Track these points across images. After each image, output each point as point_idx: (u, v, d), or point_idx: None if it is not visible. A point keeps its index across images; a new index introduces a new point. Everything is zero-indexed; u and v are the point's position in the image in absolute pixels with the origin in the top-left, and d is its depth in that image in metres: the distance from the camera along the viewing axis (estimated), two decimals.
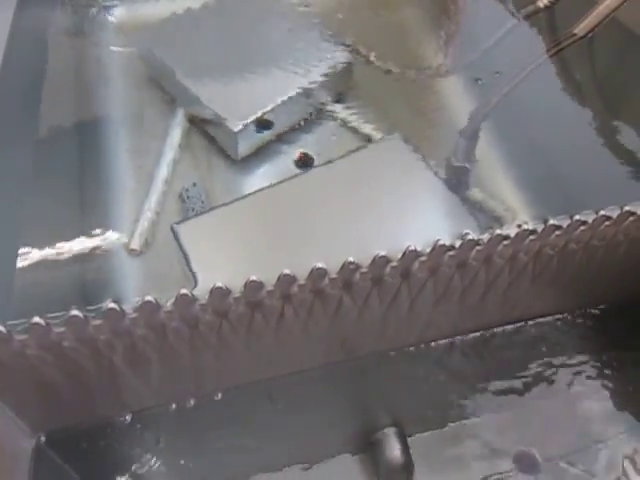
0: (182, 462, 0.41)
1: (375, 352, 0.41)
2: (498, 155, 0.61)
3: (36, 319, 0.26)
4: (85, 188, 0.61)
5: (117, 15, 0.70)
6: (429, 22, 0.72)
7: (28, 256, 0.52)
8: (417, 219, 0.52)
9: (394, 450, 0.49)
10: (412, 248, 0.30)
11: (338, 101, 0.67)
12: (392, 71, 0.65)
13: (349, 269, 0.30)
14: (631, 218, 0.34)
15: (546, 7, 0.54)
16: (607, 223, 0.34)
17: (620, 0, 0.47)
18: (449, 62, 0.65)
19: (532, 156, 0.59)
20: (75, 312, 0.26)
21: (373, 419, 0.49)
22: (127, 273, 0.58)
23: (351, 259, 0.30)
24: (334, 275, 0.30)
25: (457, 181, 0.55)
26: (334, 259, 0.48)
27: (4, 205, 0.52)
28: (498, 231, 0.32)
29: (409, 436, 0.50)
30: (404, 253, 0.30)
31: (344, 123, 0.66)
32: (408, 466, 0.49)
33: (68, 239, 0.58)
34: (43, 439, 0.35)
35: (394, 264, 0.31)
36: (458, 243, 0.31)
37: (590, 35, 0.49)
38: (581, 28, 0.49)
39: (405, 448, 0.49)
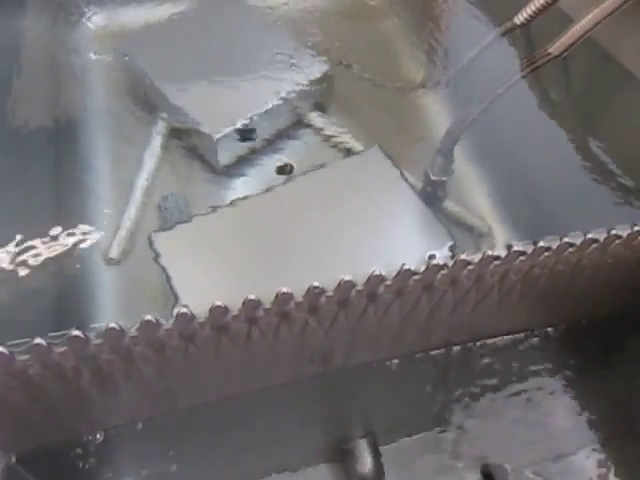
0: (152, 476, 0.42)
1: (345, 367, 0.42)
2: (475, 169, 0.62)
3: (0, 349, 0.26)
4: (63, 196, 0.61)
5: (96, 22, 0.70)
6: (410, 33, 0.73)
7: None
8: (391, 232, 0.53)
9: (365, 460, 0.49)
10: (377, 273, 0.31)
11: (319, 110, 0.67)
12: (373, 82, 0.66)
13: (314, 293, 0.31)
14: (594, 245, 0.34)
15: (522, 24, 0.54)
16: (570, 249, 0.35)
17: (594, 22, 0.47)
18: (429, 76, 0.66)
19: (508, 171, 0.60)
20: (38, 340, 0.27)
21: (345, 429, 0.50)
22: (105, 282, 0.58)
23: (316, 284, 0.30)
24: (300, 299, 0.30)
25: (434, 194, 0.56)
26: (309, 270, 0.49)
27: None
28: (463, 256, 0.32)
29: (381, 446, 0.51)
30: (369, 277, 0.31)
31: (324, 133, 0.67)
32: (379, 476, 0.50)
33: (45, 247, 0.58)
34: (14, 459, 0.35)
35: (359, 288, 0.31)
36: (423, 267, 0.31)
37: (565, 55, 0.50)
38: (556, 47, 0.49)
39: (376, 458, 0.50)
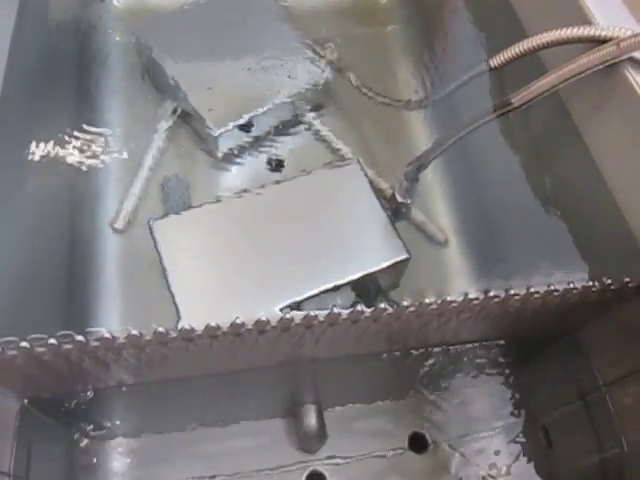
0: (128, 422, 0.54)
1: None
2: (442, 187, 0.70)
3: (23, 343, 0.37)
4: (78, 170, 0.69)
5: (122, 1, 0.75)
6: (412, 44, 0.77)
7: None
8: (355, 241, 0.62)
9: (311, 422, 0.61)
10: (312, 314, 0.40)
11: (315, 112, 0.74)
12: (367, 96, 0.72)
13: (262, 322, 0.40)
14: (535, 295, 0.45)
15: (496, 68, 0.59)
16: (516, 298, 0.45)
17: (551, 84, 0.53)
18: (421, 96, 0.71)
19: (470, 193, 0.68)
20: (52, 340, 0.37)
21: (298, 397, 0.61)
22: (111, 248, 0.68)
23: (264, 318, 0.40)
24: (250, 326, 0.40)
25: (399, 210, 0.64)
26: (282, 265, 0.58)
27: None
28: (382, 305, 0.42)
29: (327, 409, 0.64)
30: (305, 316, 0.41)
31: (317, 133, 0.74)
32: (322, 434, 0.62)
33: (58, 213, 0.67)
34: (26, 402, 0.47)
35: (297, 322, 0.41)
36: (348, 311, 0.41)
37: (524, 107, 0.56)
38: (518, 99, 0.55)
39: (321, 421, 0.62)
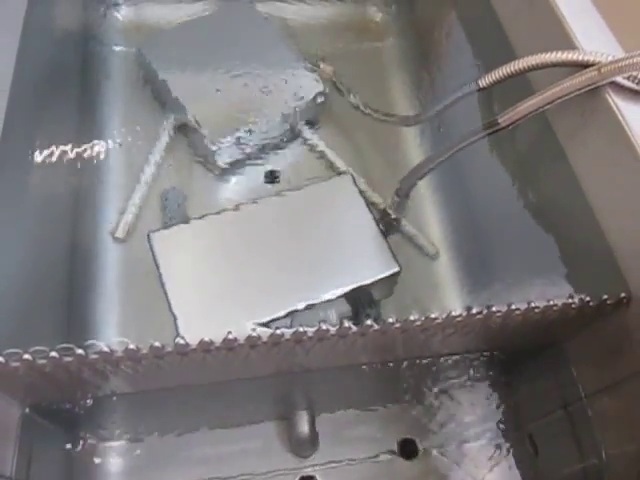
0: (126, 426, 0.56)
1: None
2: (435, 203, 0.72)
3: (26, 355, 0.39)
4: (80, 180, 0.71)
5: (124, 14, 0.77)
6: (407, 59, 0.79)
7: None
8: (348, 254, 0.64)
9: (303, 427, 0.63)
10: (301, 330, 0.42)
11: (311, 126, 0.76)
12: (363, 110, 0.74)
13: (252, 338, 0.42)
14: (517, 312, 0.46)
15: (484, 88, 0.61)
16: (497, 314, 0.47)
17: (539, 105, 0.55)
18: (415, 112, 0.73)
19: (460, 209, 0.70)
20: (53, 353, 0.39)
21: (291, 403, 0.63)
22: (111, 256, 0.70)
23: (254, 334, 0.42)
24: (242, 341, 0.42)
25: (391, 224, 0.66)
26: (277, 277, 0.60)
27: None
28: (368, 322, 0.44)
29: (319, 416, 0.65)
30: (294, 331, 0.43)
31: (312, 147, 0.76)
32: (314, 440, 0.64)
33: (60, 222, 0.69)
34: (27, 410, 0.49)
35: (287, 337, 0.43)
36: (336, 328, 0.43)
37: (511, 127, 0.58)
38: (504, 119, 0.57)
39: (312, 426, 0.64)
